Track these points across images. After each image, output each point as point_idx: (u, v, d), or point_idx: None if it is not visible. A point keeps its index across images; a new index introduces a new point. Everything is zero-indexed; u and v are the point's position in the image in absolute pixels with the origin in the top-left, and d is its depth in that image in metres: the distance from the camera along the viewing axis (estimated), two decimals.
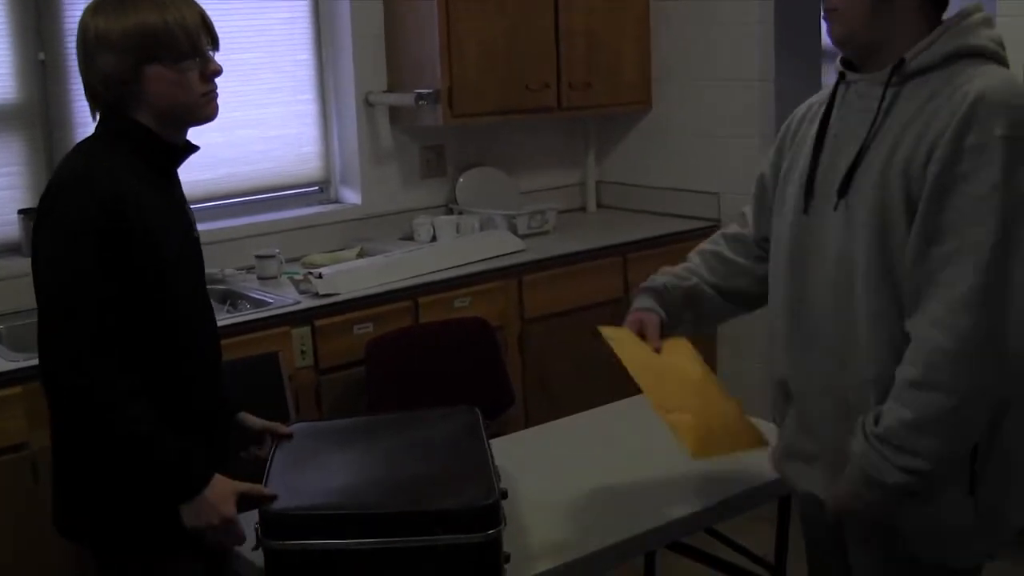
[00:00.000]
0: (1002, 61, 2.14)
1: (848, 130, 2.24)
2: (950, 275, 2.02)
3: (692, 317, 2.66)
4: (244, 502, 2.32)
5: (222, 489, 2.30)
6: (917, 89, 2.14)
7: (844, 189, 2.20)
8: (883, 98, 2.17)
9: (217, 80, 2.40)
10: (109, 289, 2.22)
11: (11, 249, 4.02)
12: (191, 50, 2.33)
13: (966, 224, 2.01)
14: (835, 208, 2.22)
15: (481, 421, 2.63)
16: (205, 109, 2.40)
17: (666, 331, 2.61)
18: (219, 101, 2.43)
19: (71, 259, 2.21)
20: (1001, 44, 2.16)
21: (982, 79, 2.06)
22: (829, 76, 2.29)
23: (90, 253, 2.20)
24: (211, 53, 2.39)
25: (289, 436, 2.60)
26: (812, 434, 2.37)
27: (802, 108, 2.46)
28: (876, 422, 2.09)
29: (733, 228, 2.66)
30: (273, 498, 2.29)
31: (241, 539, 2.35)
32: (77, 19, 2.33)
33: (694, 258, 2.69)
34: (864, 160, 2.18)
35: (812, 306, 2.32)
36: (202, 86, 2.37)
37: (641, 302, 2.64)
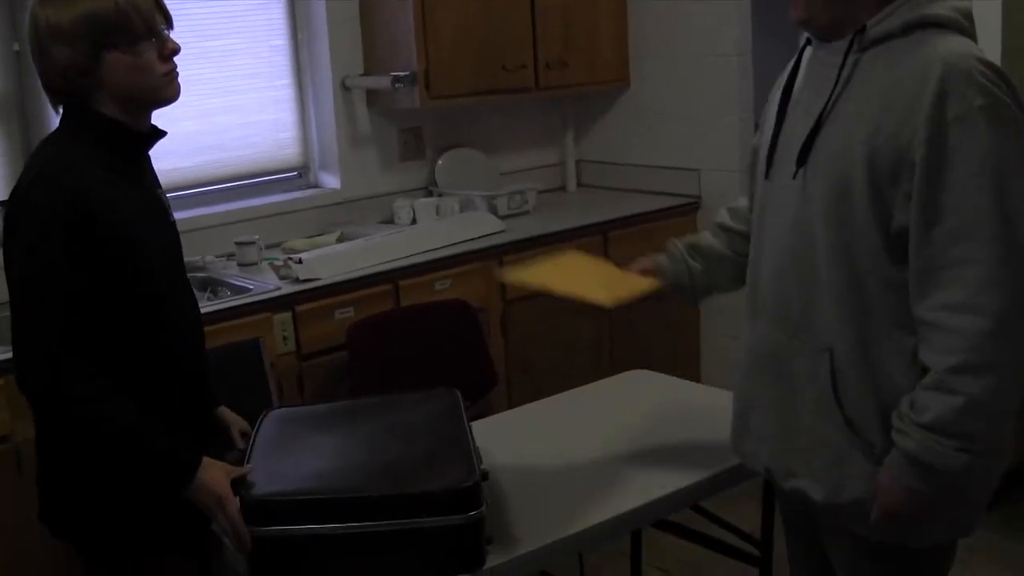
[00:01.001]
0: (965, 31, 2.12)
1: (810, 98, 2.25)
2: (960, 254, 2.01)
3: (702, 267, 2.67)
4: (235, 485, 2.30)
5: (215, 471, 2.28)
6: (878, 58, 2.14)
7: (803, 157, 2.21)
8: (843, 66, 2.17)
9: (179, 61, 2.36)
10: (78, 285, 2.20)
11: None
12: (147, 31, 2.29)
13: (964, 200, 2.00)
14: (793, 176, 2.23)
15: (461, 403, 2.63)
16: (167, 90, 2.35)
17: (678, 283, 2.69)
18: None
19: (41, 255, 2.19)
20: (966, 15, 2.15)
21: (944, 49, 2.05)
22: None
23: (59, 248, 2.18)
24: (166, 32, 2.35)
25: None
26: (754, 407, 2.39)
27: (780, 76, 2.47)
28: (909, 417, 2.06)
29: (740, 201, 2.67)
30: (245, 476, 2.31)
31: (236, 522, 2.26)
32: None
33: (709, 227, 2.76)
34: (823, 129, 2.18)
35: (765, 273, 2.34)
36: (162, 66, 2.32)
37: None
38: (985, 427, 2.02)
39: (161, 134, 2.43)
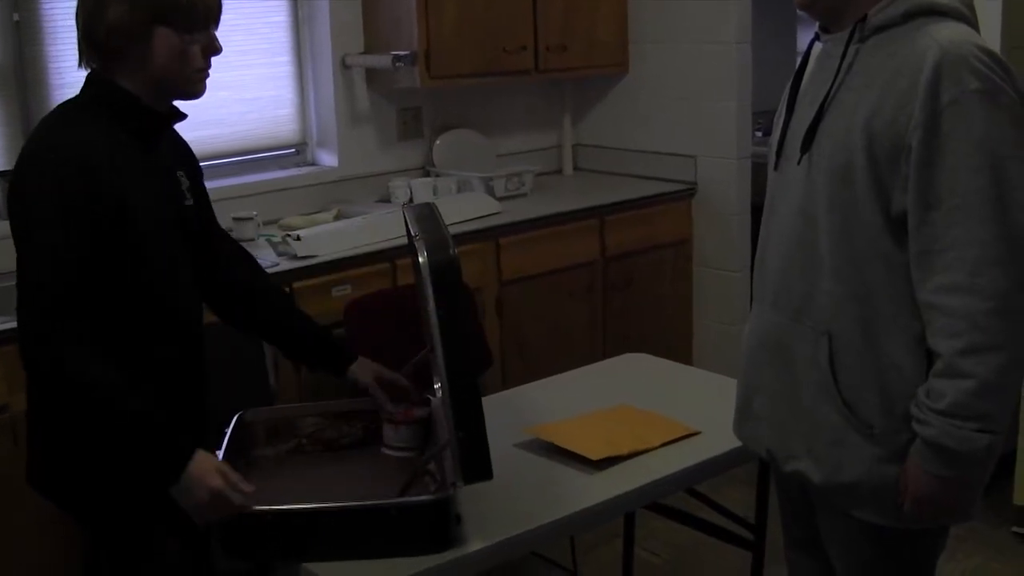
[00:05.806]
0: (966, 19, 2.15)
1: (815, 88, 2.27)
2: (957, 236, 2.03)
3: None
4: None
5: (205, 463, 2.25)
6: (879, 46, 2.16)
7: (807, 145, 2.23)
8: (844, 55, 2.19)
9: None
10: (81, 248, 2.18)
11: None
12: (203, 22, 2.31)
13: (960, 183, 2.02)
14: (798, 163, 2.25)
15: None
16: (197, 86, 2.38)
17: None
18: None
19: (46, 215, 2.17)
20: (967, 4, 2.18)
21: (941, 35, 2.07)
22: (804, 38, 2.31)
23: (69, 219, 2.17)
24: (214, 31, 2.37)
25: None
26: (757, 391, 2.41)
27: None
28: (926, 405, 2.08)
29: None
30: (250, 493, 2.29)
31: (238, 506, 2.27)
32: None
33: None
34: (826, 116, 2.20)
35: (771, 259, 2.36)
36: (200, 61, 2.35)
37: None
38: (998, 406, 2.06)
39: (180, 116, 2.43)
